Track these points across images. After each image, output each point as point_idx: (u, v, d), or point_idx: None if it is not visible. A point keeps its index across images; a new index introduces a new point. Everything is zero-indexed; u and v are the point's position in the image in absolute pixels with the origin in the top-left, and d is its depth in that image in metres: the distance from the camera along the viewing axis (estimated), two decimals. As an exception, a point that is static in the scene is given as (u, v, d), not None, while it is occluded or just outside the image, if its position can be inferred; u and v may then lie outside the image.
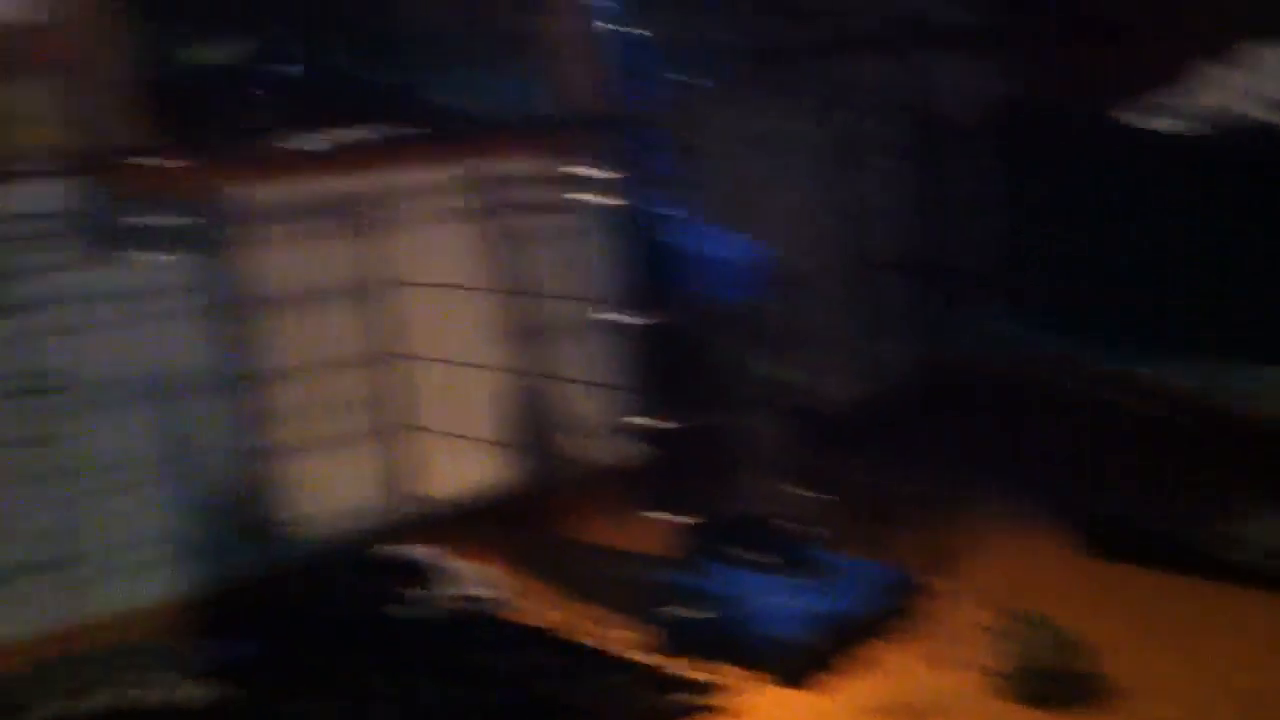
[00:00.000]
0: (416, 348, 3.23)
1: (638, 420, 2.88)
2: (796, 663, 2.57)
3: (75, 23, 2.65)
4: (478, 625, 2.88)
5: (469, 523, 3.23)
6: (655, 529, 2.90)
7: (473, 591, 2.97)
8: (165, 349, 2.87)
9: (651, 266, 2.86)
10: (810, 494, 2.99)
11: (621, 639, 2.74)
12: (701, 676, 2.56)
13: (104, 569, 2.80)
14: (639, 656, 2.67)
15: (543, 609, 2.93)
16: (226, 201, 2.92)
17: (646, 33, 2.86)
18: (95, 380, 2.76)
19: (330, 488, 3.12)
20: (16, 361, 2.67)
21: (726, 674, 2.57)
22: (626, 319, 2.88)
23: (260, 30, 2.99)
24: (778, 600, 2.72)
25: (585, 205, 2.96)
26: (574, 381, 3.39)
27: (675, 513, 2.87)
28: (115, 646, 2.77)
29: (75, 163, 2.65)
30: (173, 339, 2.88)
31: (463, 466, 3.31)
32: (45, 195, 2.65)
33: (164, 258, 2.86)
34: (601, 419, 3.41)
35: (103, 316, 2.75)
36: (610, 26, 2.87)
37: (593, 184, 2.92)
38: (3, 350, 2.64)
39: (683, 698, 2.50)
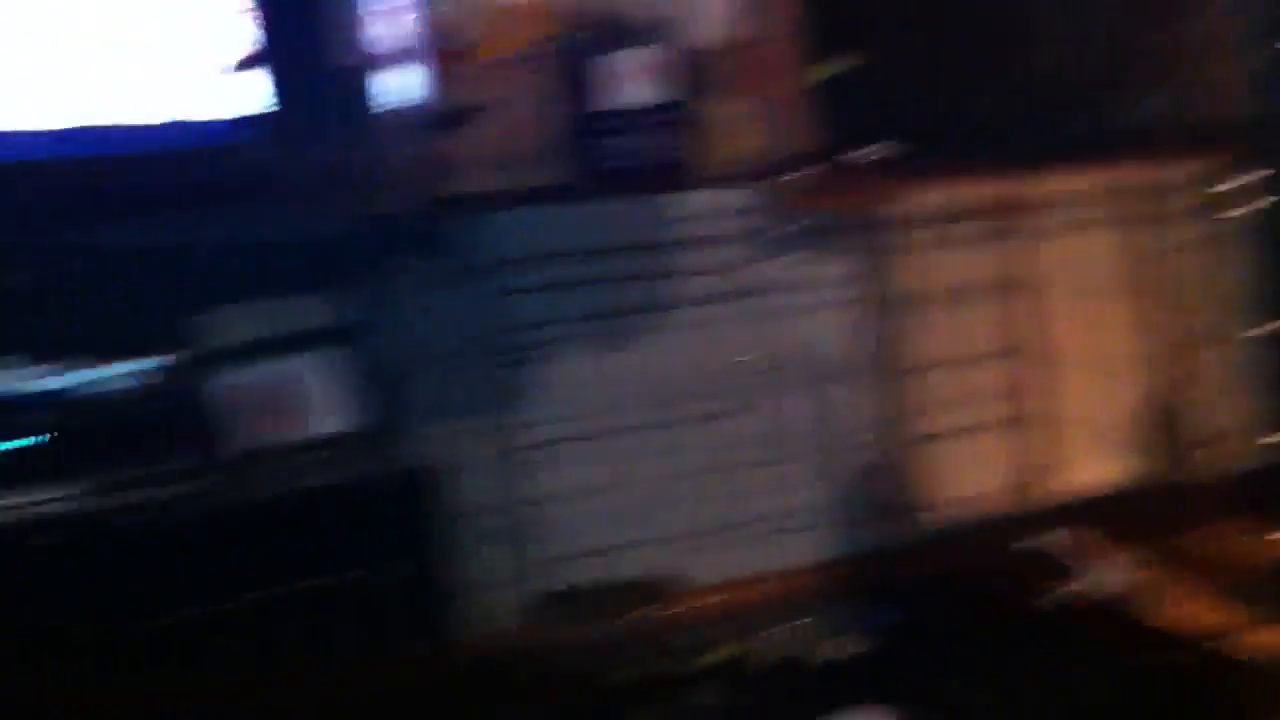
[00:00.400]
0: (1057, 346, 3.30)
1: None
2: None
3: (768, 43, 2.88)
4: (1117, 620, 2.91)
5: (1102, 518, 3.26)
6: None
7: (1112, 586, 3.00)
8: (826, 337, 3.14)
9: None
10: None
11: (1269, 646, 2.69)
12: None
13: (767, 531, 3.09)
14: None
15: (1182, 609, 2.91)
16: (882, 206, 3.14)
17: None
18: (771, 362, 3.07)
19: (968, 475, 3.26)
20: (734, 343, 3.01)
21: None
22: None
23: (892, 40, 3.13)
24: None
25: (1235, 213, 2.90)
26: (1213, 387, 3.34)
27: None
28: (776, 600, 3.04)
29: (760, 170, 2.87)
30: (832, 329, 3.15)
31: (1097, 463, 3.35)
32: (736, 199, 2.96)
33: (826, 257, 3.11)
34: (1237, 427, 3.34)
35: (776, 307, 3.05)
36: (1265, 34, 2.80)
37: (1245, 192, 2.87)
38: (713, 333, 3.00)
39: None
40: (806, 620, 3.00)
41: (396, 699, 2.42)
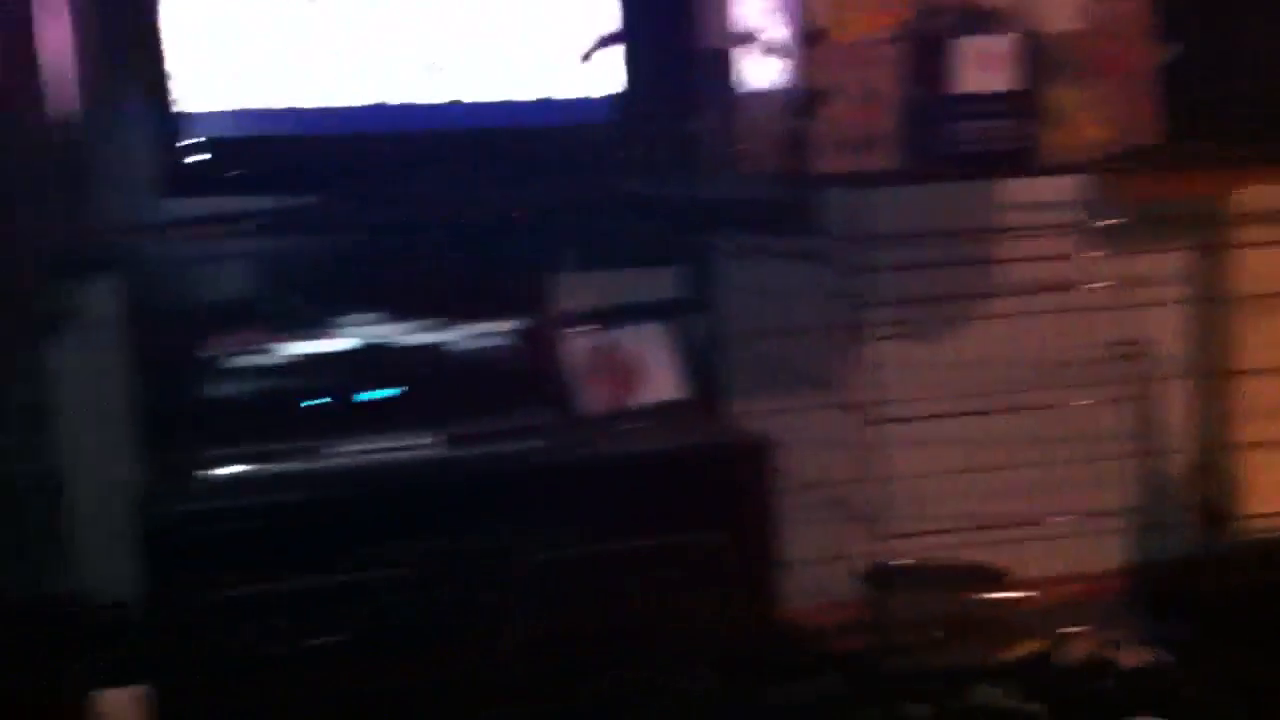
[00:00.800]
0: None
1: None
2: None
3: (1115, 32, 2.83)
4: None
5: None
6: None
7: None
8: (1154, 333, 3.11)
9: None
10: None
11: None
12: None
13: (1078, 529, 3.05)
14: None
15: None
16: (1219, 200, 3.06)
17: None
18: (1084, 357, 3.04)
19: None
20: (1064, 335, 3.03)
21: None
22: None
23: (1236, 28, 3.02)
24: None
25: None
26: None
27: None
28: (1078, 601, 3.03)
29: (1100, 159, 2.82)
30: (1161, 325, 3.12)
31: None
32: (1076, 188, 2.97)
33: (1160, 249, 3.08)
34: None
35: (1107, 299, 3.00)
36: None
37: None
38: (1044, 323, 3.01)
39: None
40: (1105, 624, 2.94)
41: (721, 662, 2.49)
